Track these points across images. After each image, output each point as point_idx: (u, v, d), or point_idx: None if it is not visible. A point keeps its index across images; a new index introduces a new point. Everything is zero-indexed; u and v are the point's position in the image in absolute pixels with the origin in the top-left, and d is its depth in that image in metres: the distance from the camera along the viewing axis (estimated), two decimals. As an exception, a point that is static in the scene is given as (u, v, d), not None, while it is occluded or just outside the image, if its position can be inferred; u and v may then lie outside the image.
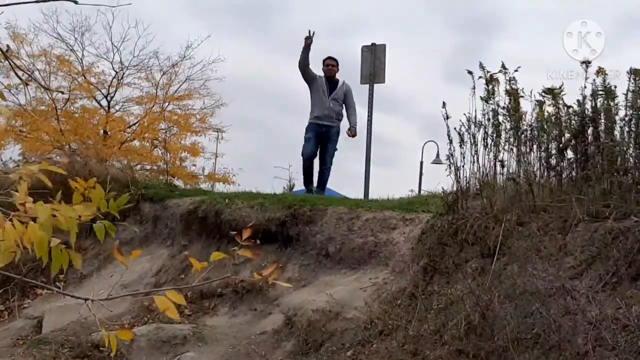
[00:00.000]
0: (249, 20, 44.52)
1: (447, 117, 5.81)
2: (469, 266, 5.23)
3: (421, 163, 25.56)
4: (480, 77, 5.89)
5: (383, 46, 9.75)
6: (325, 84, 9.43)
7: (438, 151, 24.23)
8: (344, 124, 9.55)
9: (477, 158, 5.78)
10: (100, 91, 24.39)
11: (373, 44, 9.73)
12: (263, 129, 39.99)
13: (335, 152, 9.53)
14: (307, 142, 9.46)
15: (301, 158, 9.53)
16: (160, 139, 23.60)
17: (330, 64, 9.55)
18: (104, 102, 24.64)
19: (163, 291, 1.96)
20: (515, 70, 5.69)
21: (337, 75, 9.59)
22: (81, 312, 6.43)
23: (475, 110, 5.85)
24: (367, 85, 9.81)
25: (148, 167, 22.27)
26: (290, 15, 45.35)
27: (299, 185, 11.96)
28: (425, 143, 25.55)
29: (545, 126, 5.45)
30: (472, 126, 5.87)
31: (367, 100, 9.84)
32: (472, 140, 5.73)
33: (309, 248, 6.78)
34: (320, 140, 9.44)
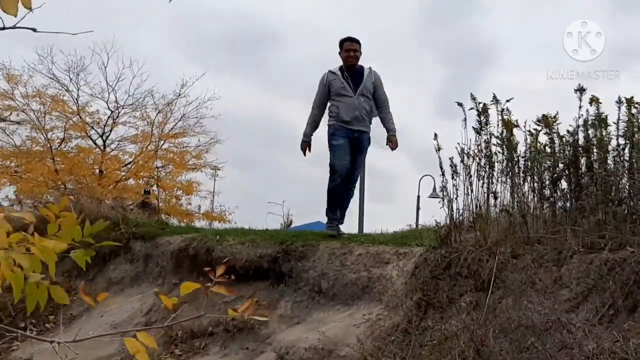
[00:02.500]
0: (241, 57, 44.76)
1: (439, 149, 5.76)
2: (463, 300, 5.12)
3: (418, 197, 25.51)
4: (471, 108, 5.85)
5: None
6: (346, 77, 7.33)
7: (434, 185, 24.24)
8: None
9: (471, 190, 5.71)
10: (96, 130, 24.48)
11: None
12: (258, 166, 40.00)
13: None
14: (340, 150, 7.19)
15: (329, 174, 7.29)
16: (155, 177, 23.64)
17: (352, 49, 7.39)
18: (100, 142, 24.72)
19: (134, 332, 1.88)
20: (508, 101, 5.65)
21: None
22: (69, 355, 6.28)
23: (470, 141, 5.81)
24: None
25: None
26: (282, 51, 45.52)
27: (297, 221, 11.61)
28: (422, 177, 25.51)
29: (539, 157, 5.39)
30: (465, 158, 5.82)
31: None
32: (465, 172, 5.66)
33: (302, 284, 6.65)
34: (351, 150, 7.27)
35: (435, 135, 5.76)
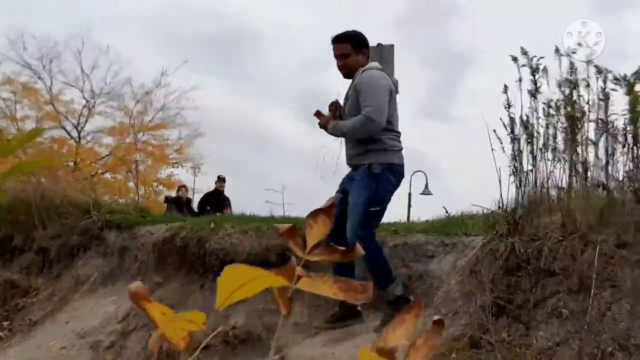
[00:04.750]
0: (220, 57, 43.07)
1: (509, 106, 4.40)
2: (554, 305, 3.78)
3: (409, 194, 24.11)
4: (523, 65, 4.53)
5: (391, 47, 8.27)
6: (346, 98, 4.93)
7: (427, 182, 22.97)
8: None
9: (546, 161, 4.39)
10: (70, 121, 23.15)
11: (379, 44, 8.22)
12: (236, 168, 38.33)
13: (368, 209, 4.53)
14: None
15: None
16: (133, 171, 22.38)
17: (336, 55, 4.93)
18: (74, 133, 23.38)
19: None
20: (595, 45, 4.34)
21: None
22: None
23: (523, 107, 4.48)
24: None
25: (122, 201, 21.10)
26: (260, 52, 43.61)
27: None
28: (414, 173, 24.05)
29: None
30: (520, 125, 4.51)
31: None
32: (545, 137, 4.33)
33: (321, 284, 5.27)
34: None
35: (505, 87, 4.42)
